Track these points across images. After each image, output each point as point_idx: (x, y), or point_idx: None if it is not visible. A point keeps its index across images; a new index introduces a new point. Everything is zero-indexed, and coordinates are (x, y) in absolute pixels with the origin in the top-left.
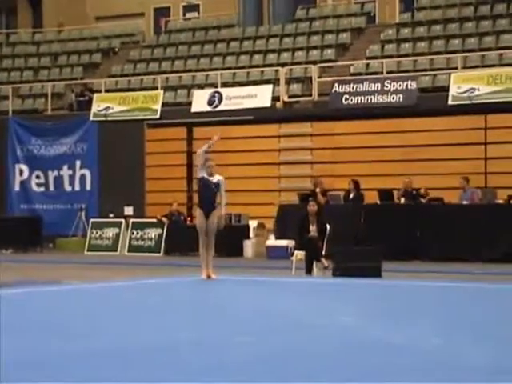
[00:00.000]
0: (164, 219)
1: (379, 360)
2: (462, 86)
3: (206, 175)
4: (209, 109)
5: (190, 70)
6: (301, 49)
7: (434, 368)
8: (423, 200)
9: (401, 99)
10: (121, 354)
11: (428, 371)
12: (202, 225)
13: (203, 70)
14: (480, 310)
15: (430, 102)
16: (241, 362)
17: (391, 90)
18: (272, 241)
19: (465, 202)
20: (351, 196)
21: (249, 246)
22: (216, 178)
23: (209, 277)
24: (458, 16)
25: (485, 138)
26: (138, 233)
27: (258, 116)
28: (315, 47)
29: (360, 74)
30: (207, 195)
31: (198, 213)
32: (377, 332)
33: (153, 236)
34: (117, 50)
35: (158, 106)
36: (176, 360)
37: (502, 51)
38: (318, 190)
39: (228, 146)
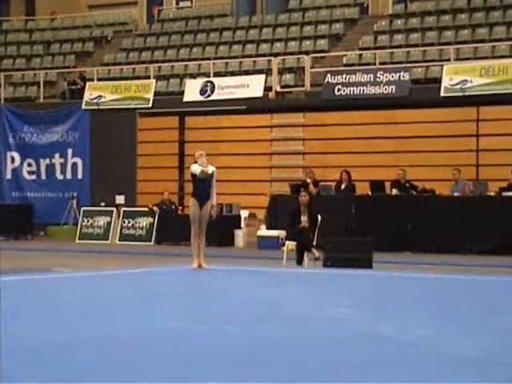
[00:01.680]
0: (155, 208)
1: (370, 352)
2: (454, 77)
3: (201, 166)
4: (201, 98)
5: (182, 60)
6: (293, 39)
7: (425, 360)
8: (415, 192)
9: (393, 90)
10: (107, 342)
11: (419, 363)
12: (196, 214)
13: (196, 60)
14: (471, 302)
15: (423, 94)
16: (228, 351)
17: (384, 81)
18: (263, 231)
19: (456, 194)
20: (343, 187)
21: (240, 236)
22: (210, 169)
23: (200, 266)
24: (451, 7)
25: (477, 130)
26: (129, 222)
27: (251, 106)
28: (308, 37)
29: (353, 64)
30: (203, 186)
31: (191, 202)
32: (368, 323)
33: (144, 225)
34: (109, 38)
35: (150, 95)
36: (163, 348)
37: (494, 43)
38: (309, 180)
39: (220, 136)
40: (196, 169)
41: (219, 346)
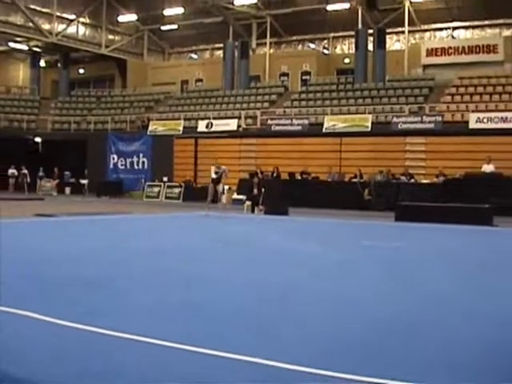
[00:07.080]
0: (182, 184)
1: (290, 259)
2: (330, 122)
3: (215, 168)
4: (206, 130)
5: (196, 110)
6: (253, 102)
7: (314, 261)
8: (309, 177)
9: (300, 128)
10: (149, 252)
11: (311, 264)
12: (212, 190)
13: (203, 111)
14: (339, 233)
15: (314, 130)
16: (213, 258)
17: (296, 123)
18: (235, 196)
19: (330, 180)
20: (274, 175)
21: (224, 198)
22: (222, 169)
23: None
24: (329, 89)
25: (340, 149)
26: (169, 190)
27: (230, 134)
28: (259, 101)
29: (281, 115)
30: (217, 176)
31: (210, 185)
32: (289, 244)
33: (177, 192)
34: (162, 100)
35: (181, 128)
36: (179, 253)
37: (349, 106)
38: (258, 171)
39: (215, 149)
40: (212, 171)
41: (208, 255)
